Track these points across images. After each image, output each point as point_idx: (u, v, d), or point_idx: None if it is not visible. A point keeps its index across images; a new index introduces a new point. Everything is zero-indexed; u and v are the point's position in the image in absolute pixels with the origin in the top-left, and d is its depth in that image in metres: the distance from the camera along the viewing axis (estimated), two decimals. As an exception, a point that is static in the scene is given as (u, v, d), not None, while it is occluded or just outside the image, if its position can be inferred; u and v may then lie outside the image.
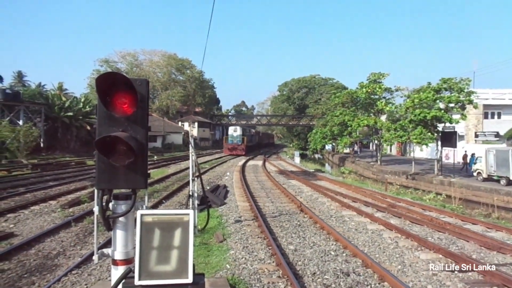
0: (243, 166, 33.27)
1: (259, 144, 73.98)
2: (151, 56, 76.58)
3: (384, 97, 36.63)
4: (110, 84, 2.84)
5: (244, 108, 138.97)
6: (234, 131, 52.92)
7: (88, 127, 44.52)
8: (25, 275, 7.41)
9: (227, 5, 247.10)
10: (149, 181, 5.37)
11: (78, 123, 44.13)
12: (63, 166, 29.83)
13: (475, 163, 25.33)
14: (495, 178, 22.56)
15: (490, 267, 7.71)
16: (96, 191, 3.01)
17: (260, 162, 39.08)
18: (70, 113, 43.70)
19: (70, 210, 13.43)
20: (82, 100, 49.45)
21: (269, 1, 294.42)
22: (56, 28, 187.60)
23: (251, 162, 39.88)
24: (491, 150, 23.14)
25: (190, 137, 10.35)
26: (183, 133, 67.03)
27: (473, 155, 26.99)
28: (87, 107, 47.10)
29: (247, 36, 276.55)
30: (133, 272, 2.56)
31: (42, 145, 39.09)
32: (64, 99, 47.48)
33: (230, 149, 51.68)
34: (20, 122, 36.97)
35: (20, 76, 70.62)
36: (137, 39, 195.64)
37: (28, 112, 39.72)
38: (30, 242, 9.27)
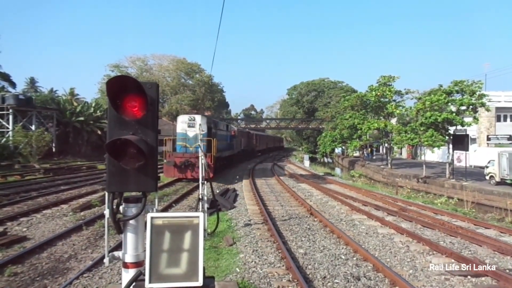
0: (252, 170, 33.27)
1: (247, 152, 46.49)
2: (160, 61, 77.15)
3: (394, 100, 36.39)
4: (120, 87, 2.86)
5: (253, 112, 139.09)
6: (189, 126, 23.90)
7: (99, 132, 45.00)
8: (38, 278, 7.49)
9: (236, 9, 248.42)
10: (159, 184, 5.40)
11: (89, 127, 44.63)
12: (74, 170, 30.16)
13: None
14: (508, 181, 22.20)
15: (504, 272, 7.58)
16: (106, 194, 3.03)
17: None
18: (81, 118, 44.23)
19: (82, 213, 13.56)
20: (93, 105, 50.00)
21: (278, 5, 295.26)
22: (67, 34, 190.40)
23: (260, 166, 39.86)
24: (504, 153, 22.79)
25: (199, 141, 10.37)
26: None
27: None
28: (98, 112, 47.62)
29: (256, 40, 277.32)
30: (144, 275, 2.57)
31: (54, 149, 39.58)
32: (75, 104, 48.10)
33: (179, 166, 22.96)
34: (33, 127, 37.49)
35: (32, 82, 71.69)
36: (147, 45, 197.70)
37: (40, 117, 40.31)
38: (42, 246, 9.37)
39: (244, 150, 43.66)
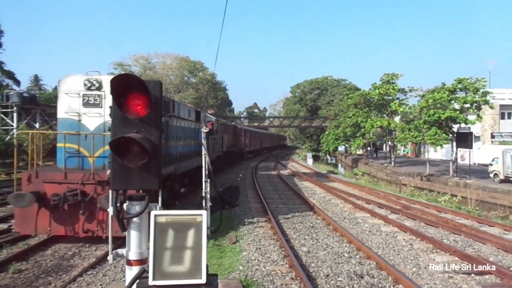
0: (256, 168, 33.25)
1: (232, 156, 33.73)
2: (164, 59, 77.20)
3: (397, 98, 36.22)
4: (124, 86, 2.87)
5: (256, 110, 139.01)
6: (87, 102, 9.52)
7: (102, 130, 45.18)
8: (42, 275, 7.53)
9: (240, 8, 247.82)
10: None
11: (93, 125, 44.76)
12: (78, 168, 30.18)
13: None
14: (512, 179, 22.09)
15: (508, 270, 7.55)
16: (110, 192, 3.04)
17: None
18: (85, 116, 44.34)
19: (85, 211, 13.57)
20: (97, 103, 50.10)
21: (281, 4, 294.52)
22: (70, 32, 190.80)
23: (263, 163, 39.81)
24: (508, 151, 22.66)
25: (203, 139, 10.37)
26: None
27: None
28: (101, 110, 47.73)
29: (259, 38, 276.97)
30: (147, 272, 2.58)
31: (57, 147, 39.69)
32: (79, 102, 48.22)
33: (53, 207, 8.72)
34: (37, 125, 37.64)
35: (36, 79, 72.15)
36: (150, 43, 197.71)
37: (45, 115, 40.42)
38: (46, 243, 9.43)
39: (227, 152, 29.44)
